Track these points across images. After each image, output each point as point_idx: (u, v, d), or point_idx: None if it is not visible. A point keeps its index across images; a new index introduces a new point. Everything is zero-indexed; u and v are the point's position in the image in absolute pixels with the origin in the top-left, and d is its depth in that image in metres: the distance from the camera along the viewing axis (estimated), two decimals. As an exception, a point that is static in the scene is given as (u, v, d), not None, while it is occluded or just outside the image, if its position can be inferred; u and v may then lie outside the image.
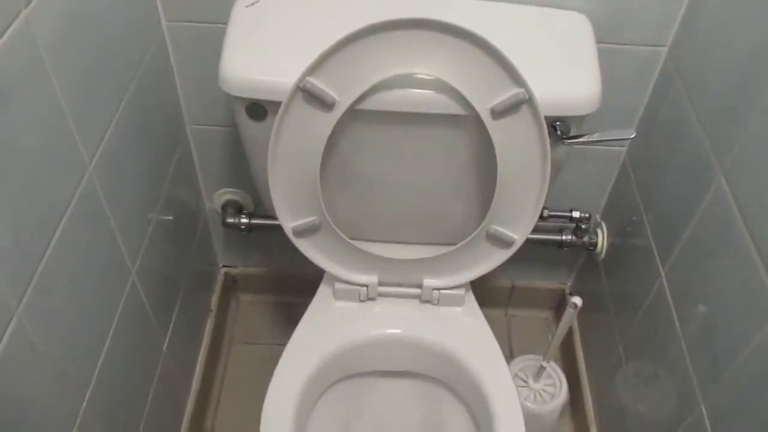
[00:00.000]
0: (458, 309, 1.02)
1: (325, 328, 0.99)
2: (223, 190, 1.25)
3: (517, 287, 1.46)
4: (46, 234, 0.68)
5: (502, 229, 0.91)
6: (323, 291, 1.03)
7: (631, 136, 0.86)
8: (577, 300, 1.05)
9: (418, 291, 1.01)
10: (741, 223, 0.76)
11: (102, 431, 0.84)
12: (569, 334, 1.39)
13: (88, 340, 0.81)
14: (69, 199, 0.73)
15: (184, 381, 1.24)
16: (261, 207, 1.25)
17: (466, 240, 0.92)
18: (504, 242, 0.92)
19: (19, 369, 0.65)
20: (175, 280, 1.15)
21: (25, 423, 0.68)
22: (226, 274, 1.45)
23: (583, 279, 1.39)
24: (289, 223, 0.91)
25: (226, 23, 0.89)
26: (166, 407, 1.13)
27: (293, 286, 1.27)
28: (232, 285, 1.48)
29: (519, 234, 0.91)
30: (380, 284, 1.00)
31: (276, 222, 0.92)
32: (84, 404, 0.79)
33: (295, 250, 0.95)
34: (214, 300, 1.41)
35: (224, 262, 1.45)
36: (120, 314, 0.88)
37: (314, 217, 0.91)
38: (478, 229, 0.91)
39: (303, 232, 0.93)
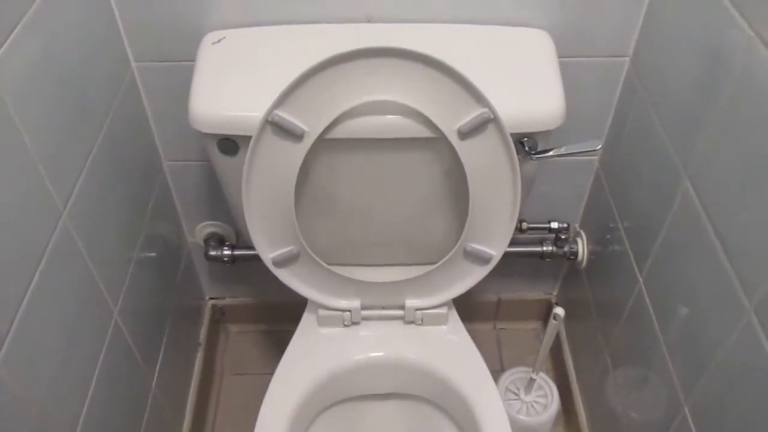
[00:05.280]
0: (443, 328, 1.03)
1: (310, 356, 1.00)
2: (204, 224, 1.26)
3: (503, 300, 1.46)
4: (22, 283, 0.69)
5: (478, 246, 0.92)
6: (307, 318, 1.04)
7: (597, 148, 0.88)
8: (560, 310, 1.06)
9: (401, 312, 1.01)
10: (708, 225, 0.77)
11: (92, 475, 0.84)
12: (558, 343, 1.39)
13: (72, 384, 0.80)
14: (44, 246, 0.73)
15: (176, 418, 1.23)
16: (242, 238, 1.26)
17: (444, 259, 0.93)
18: (482, 259, 0.93)
19: None
20: (160, 316, 1.15)
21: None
22: (213, 306, 1.45)
23: (567, 288, 1.40)
24: (267, 253, 0.92)
25: (194, 60, 0.90)
26: (159, 445, 1.13)
27: (282, 314, 1.27)
28: (220, 317, 1.48)
29: (496, 250, 0.92)
30: (363, 308, 1.01)
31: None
32: (71, 450, 0.79)
33: (279, 279, 0.96)
34: (203, 333, 1.41)
35: (211, 294, 1.45)
36: (104, 356, 0.88)
37: (292, 247, 0.92)
38: (455, 247, 0.92)
39: (282, 262, 0.93)
